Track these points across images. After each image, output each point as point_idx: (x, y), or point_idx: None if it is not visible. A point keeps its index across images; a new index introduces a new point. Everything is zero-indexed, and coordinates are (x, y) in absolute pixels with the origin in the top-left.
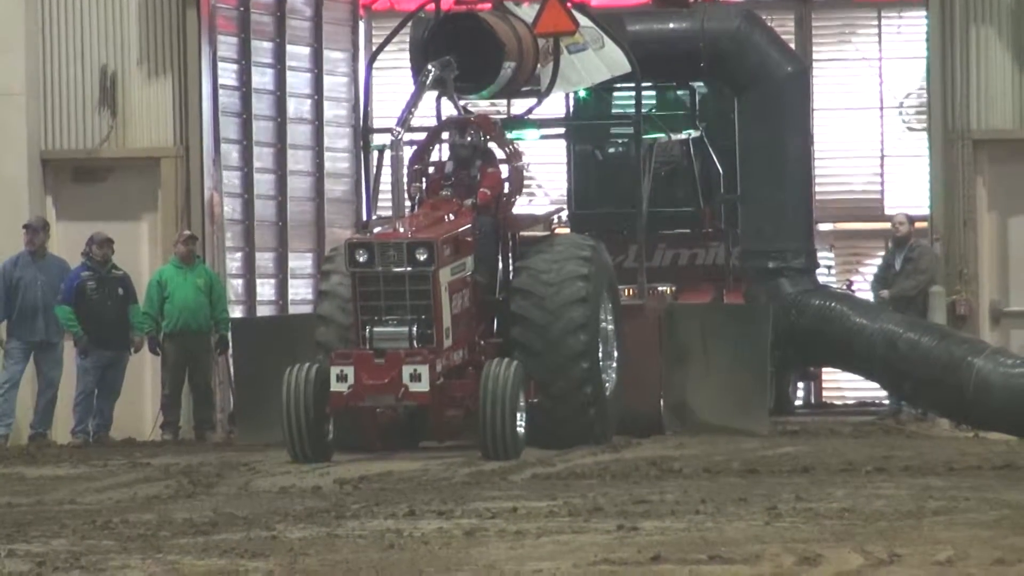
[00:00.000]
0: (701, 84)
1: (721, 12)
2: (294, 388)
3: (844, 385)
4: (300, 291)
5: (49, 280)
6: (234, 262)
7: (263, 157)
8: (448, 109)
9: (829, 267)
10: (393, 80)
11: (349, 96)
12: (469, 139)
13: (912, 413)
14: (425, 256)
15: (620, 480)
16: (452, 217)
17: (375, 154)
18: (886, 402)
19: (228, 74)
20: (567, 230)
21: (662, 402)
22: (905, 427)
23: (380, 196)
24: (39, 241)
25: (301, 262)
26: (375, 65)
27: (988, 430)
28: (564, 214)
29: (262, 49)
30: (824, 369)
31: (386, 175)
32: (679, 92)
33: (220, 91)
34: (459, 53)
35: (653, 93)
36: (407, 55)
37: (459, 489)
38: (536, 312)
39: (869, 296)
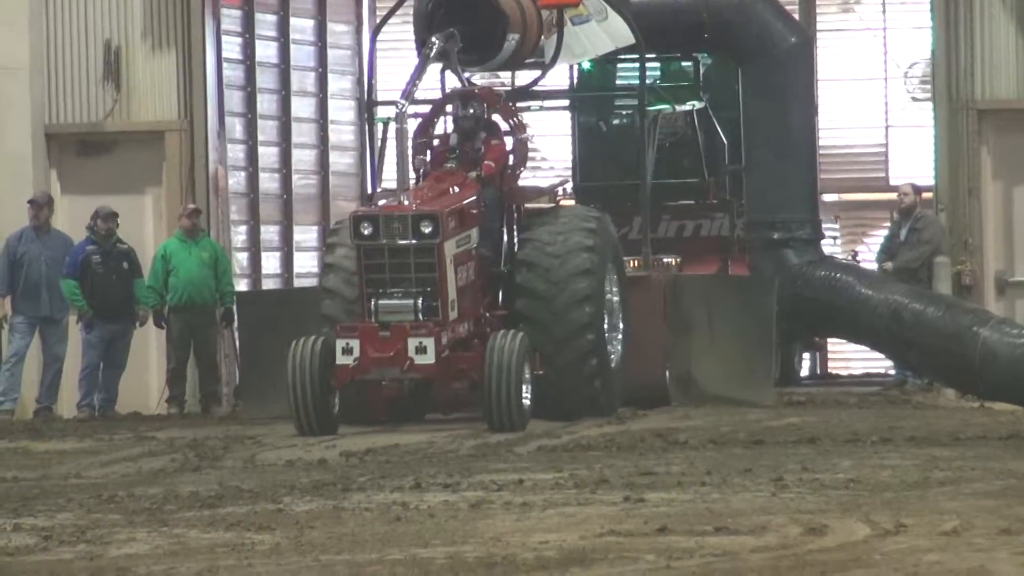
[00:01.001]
0: (705, 55)
1: None
2: (299, 361)
3: (850, 356)
4: (305, 264)
5: (53, 255)
6: (239, 235)
7: (267, 130)
8: (452, 82)
9: (834, 238)
10: (397, 53)
11: (353, 69)
12: (472, 111)
13: (918, 384)
14: (430, 228)
15: (626, 452)
16: (457, 189)
17: (379, 127)
18: (892, 373)
19: (232, 47)
20: (572, 202)
21: (667, 373)
22: (911, 398)
23: (385, 169)
24: (43, 216)
25: (306, 235)
26: (379, 37)
27: (994, 400)
28: (569, 186)
29: (266, 22)
30: (830, 340)
31: (391, 148)
32: (683, 63)
33: (224, 64)
34: (463, 25)
35: (657, 64)
36: (411, 27)
37: (465, 461)
38: (541, 284)
39: (875, 266)
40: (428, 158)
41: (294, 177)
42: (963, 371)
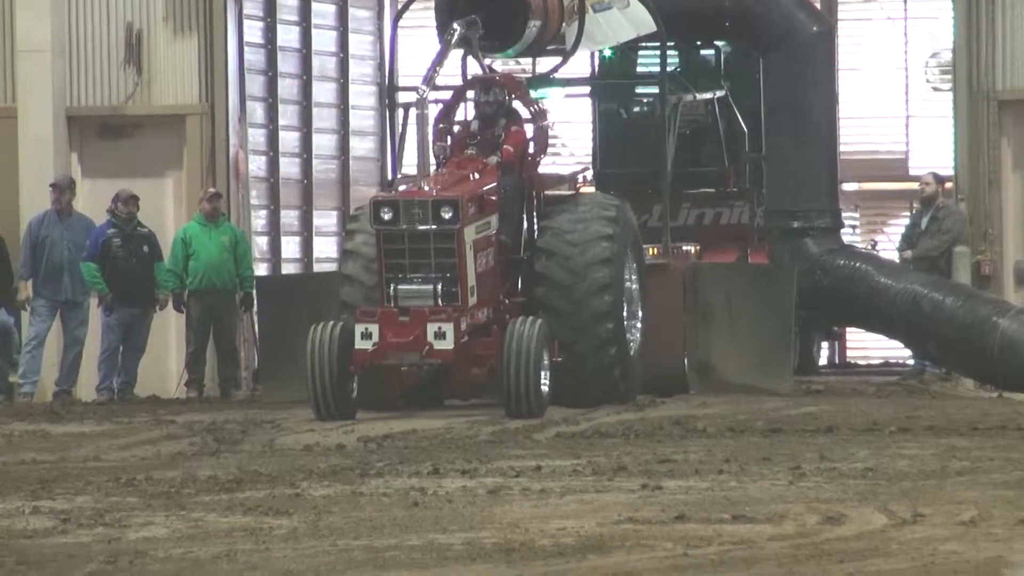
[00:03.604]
0: (726, 43)
1: None
2: (319, 346)
3: (869, 345)
4: (325, 249)
5: (75, 239)
6: (259, 220)
7: (288, 115)
8: (474, 68)
9: (854, 227)
10: (419, 38)
11: (374, 54)
12: (493, 98)
13: (936, 373)
14: (450, 214)
15: (644, 439)
16: (477, 176)
17: (400, 112)
18: (910, 362)
19: (253, 31)
20: (592, 189)
21: (686, 361)
22: (929, 387)
23: (405, 154)
24: (66, 200)
25: (326, 220)
26: (401, 23)
27: (1013, 391)
28: (589, 173)
29: (287, 6)
30: (849, 329)
31: (411, 133)
32: (704, 51)
33: (245, 48)
34: (484, 11)
35: (678, 52)
36: (433, 13)
37: (483, 447)
38: (561, 273)
39: (894, 256)
40: (448, 144)
41: (314, 162)
42: (982, 361)
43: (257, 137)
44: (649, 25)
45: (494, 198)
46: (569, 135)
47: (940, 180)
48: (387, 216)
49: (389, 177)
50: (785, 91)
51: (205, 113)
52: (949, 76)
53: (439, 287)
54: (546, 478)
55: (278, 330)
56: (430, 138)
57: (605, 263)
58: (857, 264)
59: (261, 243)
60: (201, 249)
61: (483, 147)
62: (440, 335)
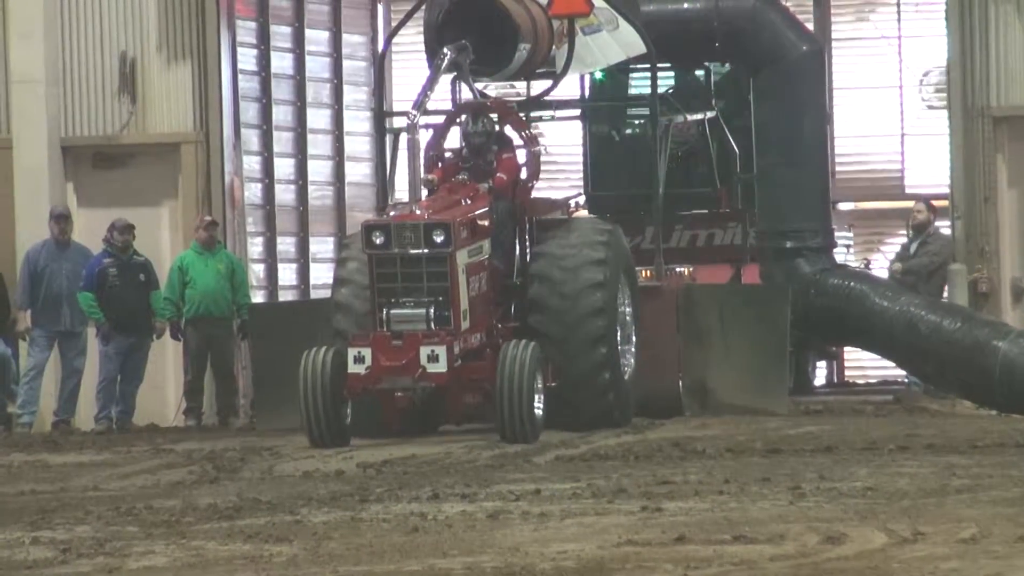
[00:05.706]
0: (717, 64)
1: None
2: (311, 372)
3: (867, 364)
4: (321, 275)
5: (73, 269)
6: (255, 247)
7: (283, 142)
8: (465, 92)
9: (848, 246)
10: (414, 63)
11: (368, 80)
12: (482, 126)
13: (931, 389)
14: (442, 238)
15: (643, 461)
16: (469, 201)
17: (391, 137)
18: (907, 380)
19: (247, 59)
20: (585, 213)
21: (680, 383)
22: (927, 406)
23: (399, 179)
24: (69, 230)
25: (322, 246)
26: (396, 49)
27: (1014, 413)
28: (582, 199)
29: (281, 34)
30: (847, 348)
31: (402, 158)
32: (695, 72)
33: (239, 76)
34: (474, 36)
35: (669, 74)
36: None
37: (482, 472)
38: (553, 298)
39: (886, 274)
40: (439, 172)
41: (310, 188)
42: (981, 384)
43: (252, 164)
44: (639, 47)
45: (486, 223)
46: (561, 158)
47: (932, 208)
48: (379, 240)
49: (382, 202)
50: (776, 111)
51: (200, 141)
52: (944, 94)
53: (431, 311)
54: (546, 501)
55: (273, 358)
56: (421, 163)
57: (598, 287)
58: (851, 284)
59: (257, 270)
60: (198, 277)
61: (475, 173)
62: (433, 358)
